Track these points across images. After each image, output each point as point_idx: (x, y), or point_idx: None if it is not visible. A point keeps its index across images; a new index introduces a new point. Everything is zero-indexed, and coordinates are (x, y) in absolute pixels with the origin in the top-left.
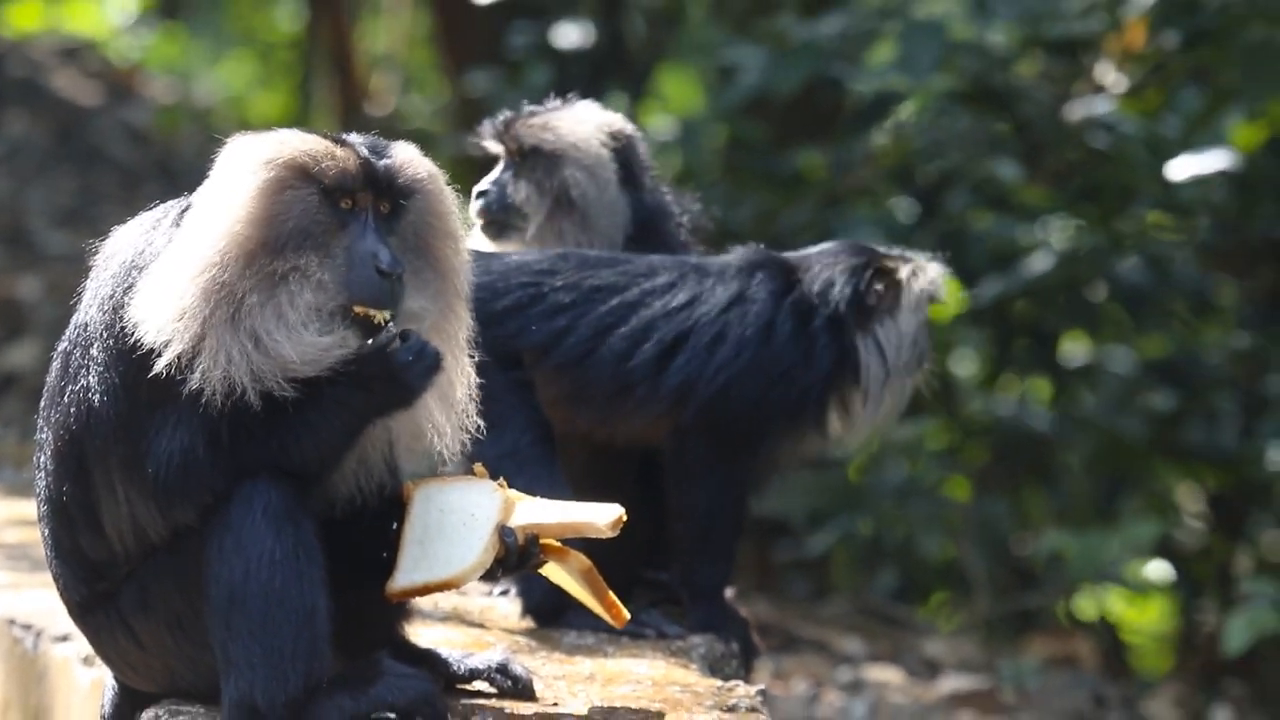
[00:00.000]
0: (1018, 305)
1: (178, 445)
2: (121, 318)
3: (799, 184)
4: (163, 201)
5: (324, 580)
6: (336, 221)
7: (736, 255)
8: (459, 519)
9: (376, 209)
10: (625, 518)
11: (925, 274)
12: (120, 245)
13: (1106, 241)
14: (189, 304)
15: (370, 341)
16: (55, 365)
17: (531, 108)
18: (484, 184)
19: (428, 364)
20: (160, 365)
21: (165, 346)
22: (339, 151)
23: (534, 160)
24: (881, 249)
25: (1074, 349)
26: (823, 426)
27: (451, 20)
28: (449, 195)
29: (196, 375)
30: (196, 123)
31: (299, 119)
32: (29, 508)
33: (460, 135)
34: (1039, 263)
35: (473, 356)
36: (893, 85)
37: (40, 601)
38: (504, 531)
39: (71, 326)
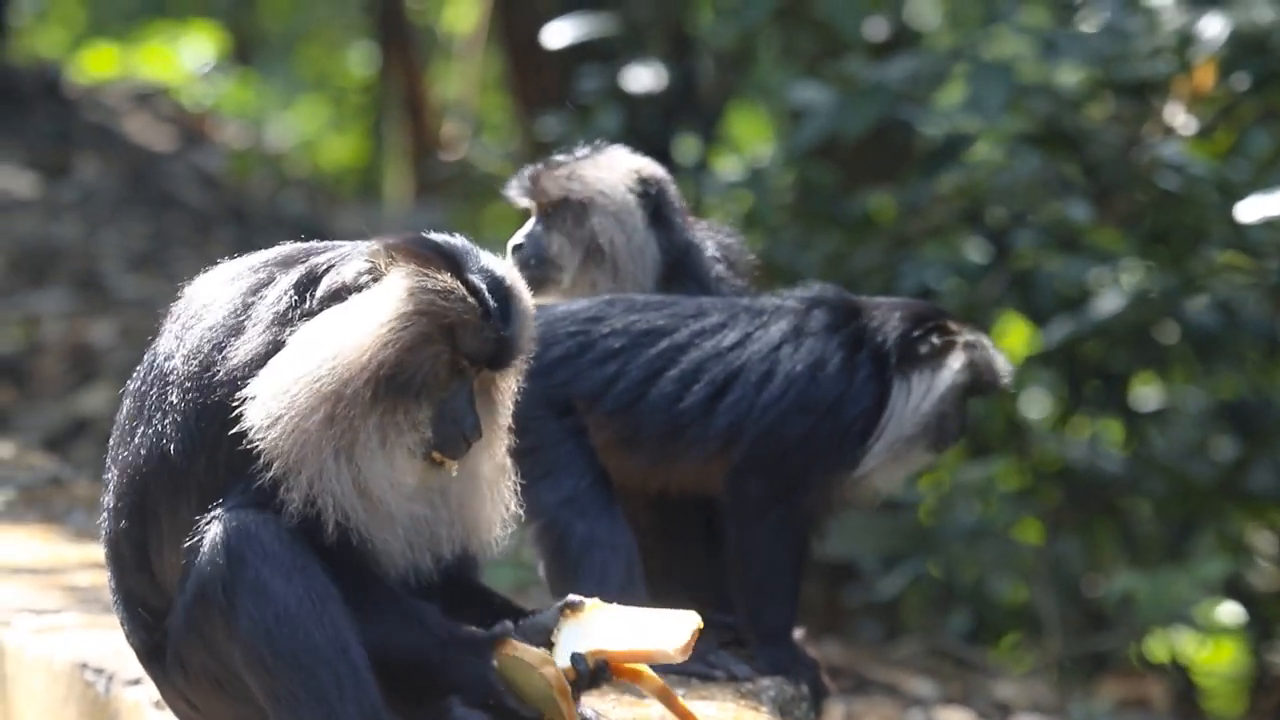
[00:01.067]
0: (1088, 346)
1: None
2: (212, 374)
3: (868, 226)
4: (241, 250)
5: (345, 615)
6: (448, 379)
7: (799, 293)
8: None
9: (483, 378)
10: (701, 628)
11: (984, 352)
12: (208, 297)
13: (1177, 283)
14: (304, 419)
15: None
16: (126, 404)
17: (558, 158)
18: (518, 238)
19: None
20: (254, 446)
21: (266, 436)
22: (487, 330)
23: (563, 211)
24: (956, 320)
25: (1145, 391)
26: (858, 464)
27: (522, 64)
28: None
29: (286, 480)
30: (268, 168)
31: (370, 164)
32: (99, 551)
33: None
34: (1109, 303)
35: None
36: (962, 127)
37: (111, 645)
38: (575, 659)
39: (146, 367)
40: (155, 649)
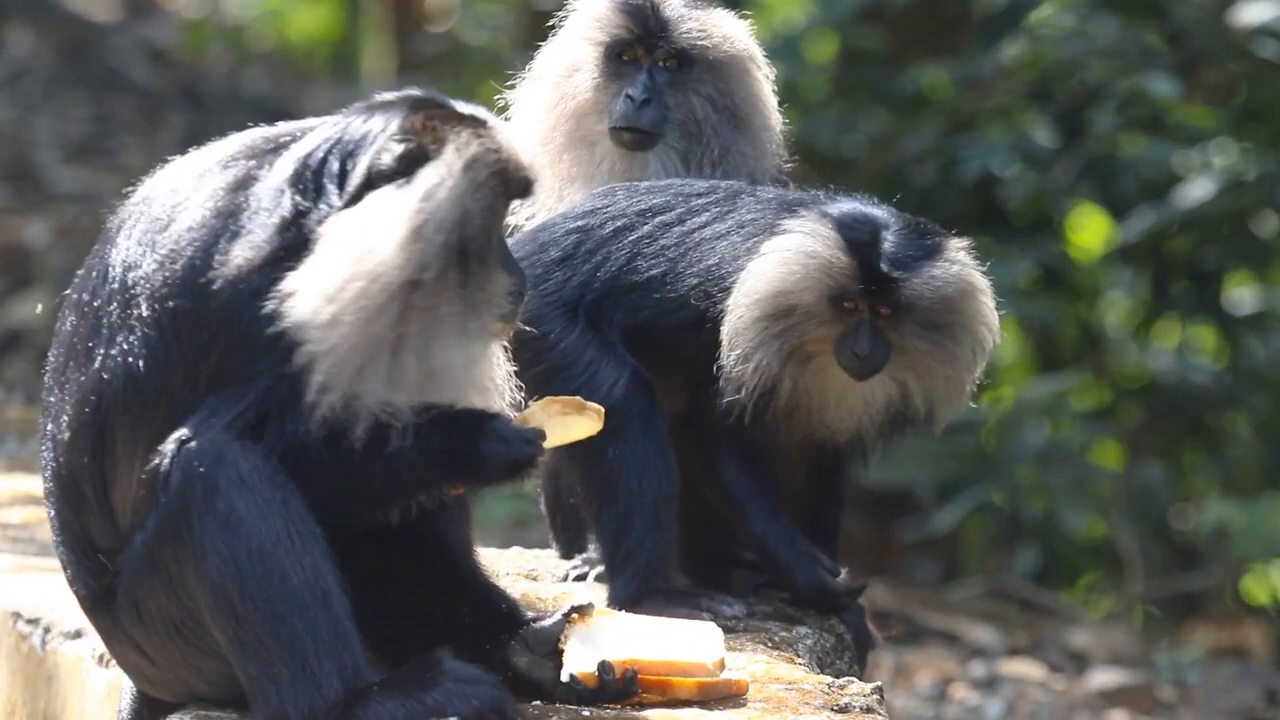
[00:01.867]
0: (1175, 241)
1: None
2: (202, 280)
3: (920, 104)
4: (196, 137)
5: (328, 558)
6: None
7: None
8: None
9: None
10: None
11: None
12: (175, 196)
13: (1276, 166)
14: (373, 317)
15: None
16: (73, 319)
17: (675, 6)
18: (638, 90)
19: (517, 459)
20: (250, 354)
21: (318, 338)
22: (526, 170)
23: (698, 67)
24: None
25: (1241, 292)
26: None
27: None
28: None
29: (315, 382)
30: (227, 40)
31: (345, 36)
32: (35, 484)
33: (530, 55)
34: (1198, 191)
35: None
36: None
37: (48, 592)
38: (602, 667)
39: (97, 277)
40: (104, 594)
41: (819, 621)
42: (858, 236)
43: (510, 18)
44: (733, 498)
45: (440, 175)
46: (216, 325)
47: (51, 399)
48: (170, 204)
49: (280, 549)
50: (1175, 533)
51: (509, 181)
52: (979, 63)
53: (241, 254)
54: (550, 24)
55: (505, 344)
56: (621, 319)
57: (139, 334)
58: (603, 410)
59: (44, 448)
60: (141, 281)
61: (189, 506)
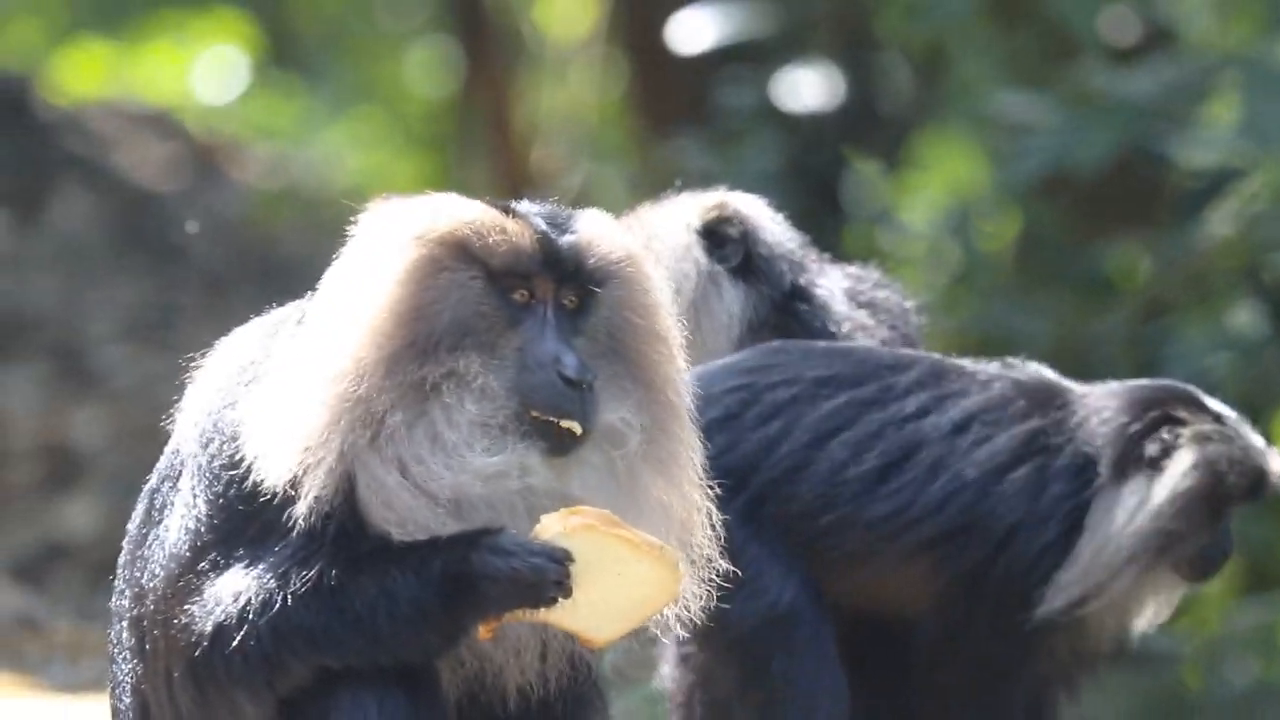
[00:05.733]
0: None
1: (229, 610)
2: (225, 441)
3: (1109, 288)
4: (278, 305)
5: None
6: (506, 316)
7: (1001, 364)
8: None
9: (559, 301)
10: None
11: (1232, 446)
12: (226, 356)
13: None
14: (316, 427)
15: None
16: (140, 508)
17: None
18: None
19: (519, 574)
20: (276, 502)
21: (291, 484)
22: (510, 225)
23: None
24: (1200, 399)
25: None
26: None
27: (649, 72)
28: (654, 283)
29: (308, 504)
30: (305, 212)
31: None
32: (85, 712)
33: None
34: None
35: (711, 489)
36: (1234, 156)
37: None
38: None
39: (162, 459)
40: None
41: None
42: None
43: (637, 174)
44: None
45: (366, 254)
46: (238, 485)
47: (121, 603)
48: (214, 369)
49: None
50: None
51: (454, 243)
52: (1177, 240)
53: (251, 401)
54: (683, 181)
55: None
56: (799, 511)
57: (179, 509)
58: (671, 554)
59: (114, 652)
60: (183, 453)
61: None
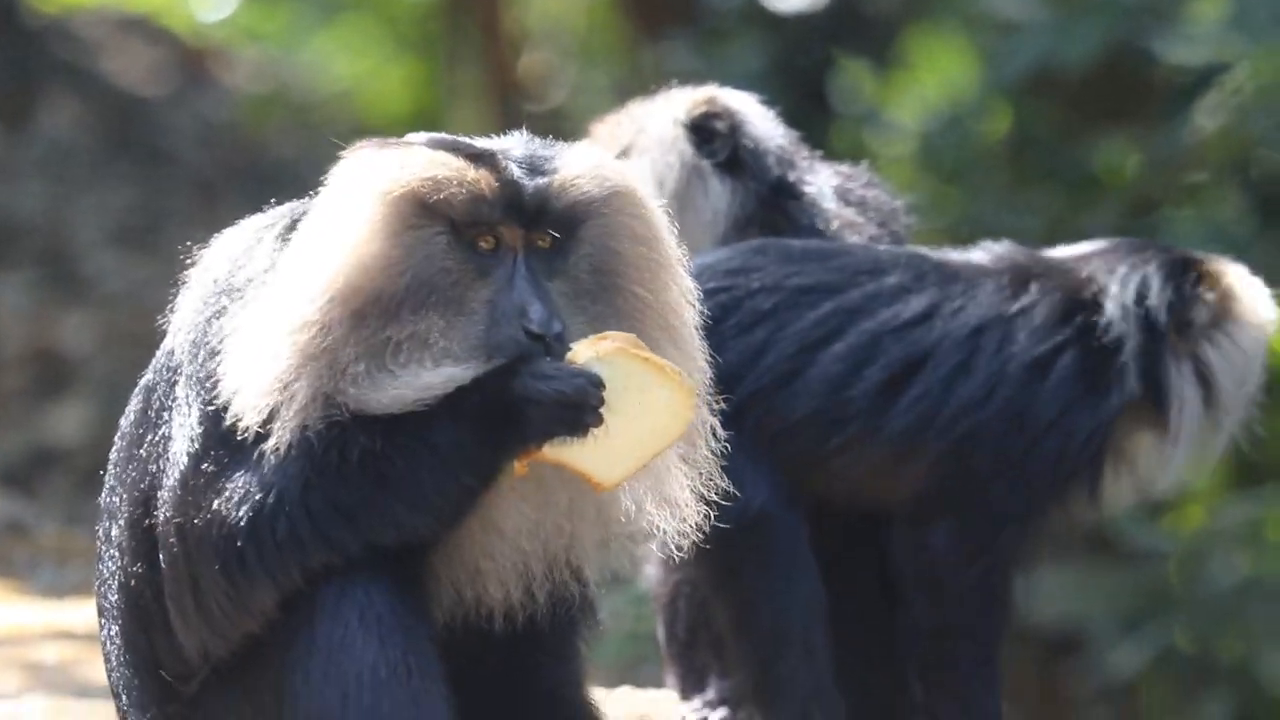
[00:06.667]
0: None
1: (257, 501)
2: (212, 352)
3: (1099, 184)
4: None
5: (446, 699)
6: (474, 268)
7: (989, 254)
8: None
9: (531, 245)
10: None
11: (1256, 287)
12: (217, 257)
13: None
14: (283, 369)
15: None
16: (134, 405)
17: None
18: None
19: (564, 395)
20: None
21: (258, 416)
22: (471, 173)
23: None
24: (1182, 250)
25: None
26: (1098, 489)
27: None
28: (647, 212)
29: (288, 421)
30: (294, 116)
31: (431, 109)
32: (72, 615)
33: None
34: None
35: (713, 410)
36: (1222, 52)
37: None
38: None
39: (157, 356)
40: None
41: None
42: None
43: (625, 79)
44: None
45: (339, 205)
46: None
47: (111, 501)
48: (206, 270)
49: (396, 682)
50: None
51: (435, 208)
52: (1165, 136)
53: (230, 332)
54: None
55: None
56: (776, 422)
57: (176, 417)
58: (685, 379)
59: (104, 554)
60: (177, 354)
61: (312, 640)
